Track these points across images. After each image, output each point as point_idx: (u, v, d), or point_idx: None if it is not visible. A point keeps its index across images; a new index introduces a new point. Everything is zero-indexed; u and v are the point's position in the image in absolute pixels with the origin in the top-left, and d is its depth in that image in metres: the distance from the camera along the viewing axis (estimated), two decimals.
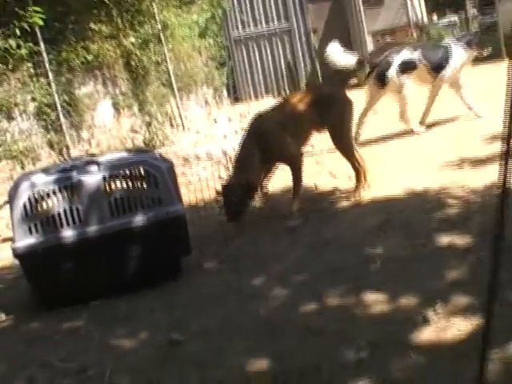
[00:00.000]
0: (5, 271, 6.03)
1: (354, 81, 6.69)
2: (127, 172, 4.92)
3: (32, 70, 9.60)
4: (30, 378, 3.70)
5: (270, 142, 5.87)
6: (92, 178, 4.72)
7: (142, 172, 4.88)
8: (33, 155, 9.19)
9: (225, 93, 16.70)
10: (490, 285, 1.75)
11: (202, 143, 10.92)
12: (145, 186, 4.91)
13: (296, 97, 6.59)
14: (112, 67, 11.24)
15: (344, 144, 6.16)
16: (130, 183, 4.97)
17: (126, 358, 3.75)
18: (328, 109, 6.08)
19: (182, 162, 9.35)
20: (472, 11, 22.92)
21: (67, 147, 9.71)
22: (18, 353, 4.15)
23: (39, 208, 4.70)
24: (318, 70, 18.10)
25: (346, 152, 6.17)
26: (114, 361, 3.72)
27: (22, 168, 8.87)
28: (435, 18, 24.60)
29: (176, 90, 13.06)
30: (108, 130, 10.87)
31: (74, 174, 4.73)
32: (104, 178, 4.75)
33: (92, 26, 10.83)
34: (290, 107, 6.20)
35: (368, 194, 6.11)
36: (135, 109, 11.77)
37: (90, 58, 10.59)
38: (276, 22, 17.44)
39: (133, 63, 11.74)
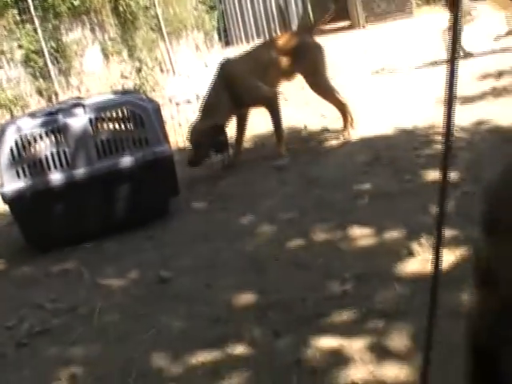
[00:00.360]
0: None
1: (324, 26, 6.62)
2: (113, 113, 4.90)
3: (17, 17, 9.46)
4: (21, 318, 3.75)
5: (238, 86, 5.83)
6: (78, 121, 4.70)
7: (128, 113, 4.87)
8: (22, 103, 9.13)
9: (215, 37, 16.49)
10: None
11: (193, 87, 10.83)
12: (131, 126, 4.90)
13: (267, 43, 6.62)
14: (99, 12, 11.08)
15: (321, 88, 6.14)
16: (117, 124, 4.96)
17: (115, 297, 3.79)
18: (298, 56, 6.06)
19: (172, 105, 9.29)
20: None
21: (56, 94, 9.65)
22: (9, 295, 4.20)
23: (26, 152, 4.69)
24: (310, 13, 17.88)
25: (326, 95, 6.16)
26: (103, 299, 3.77)
27: (12, 116, 8.83)
28: None
29: (165, 34, 12.90)
30: (97, 76, 10.77)
31: (60, 117, 4.71)
32: (90, 120, 4.73)
33: None
34: (259, 53, 6.18)
35: (357, 132, 6.10)
36: (124, 55, 11.65)
37: (76, 3, 10.44)
38: None
39: (121, 8, 11.58)
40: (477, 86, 6.96)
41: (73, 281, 4.19)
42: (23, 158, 4.65)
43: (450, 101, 1.79)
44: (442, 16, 8.75)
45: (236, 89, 5.79)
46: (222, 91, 5.81)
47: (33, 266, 4.57)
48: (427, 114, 6.03)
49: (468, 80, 7.15)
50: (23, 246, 4.96)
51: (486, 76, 7.49)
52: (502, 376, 0.53)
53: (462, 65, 7.26)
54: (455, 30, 1.52)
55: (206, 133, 5.66)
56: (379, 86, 8.26)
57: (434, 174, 4.61)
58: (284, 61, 6.04)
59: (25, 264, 4.64)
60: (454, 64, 1.63)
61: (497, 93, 6.63)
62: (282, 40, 6.34)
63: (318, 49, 6.19)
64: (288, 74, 6.19)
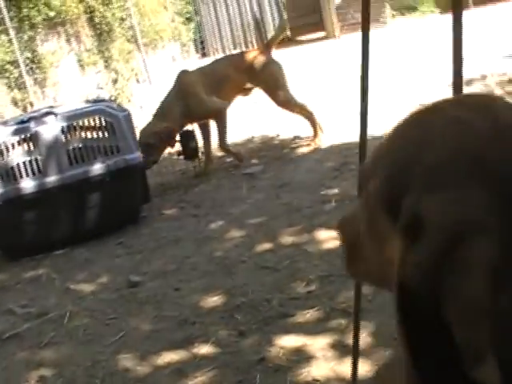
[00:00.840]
0: None
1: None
2: (85, 122, 4.96)
3: None
4: None
5: (191, 97, 5.94)
6: (49, 129, 4.75)
7: (100, 121, 4.93)
8: None
9: (192, 48, 16.60)
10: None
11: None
12: (102, 134, 4.96)
13: (227, 58, 6.81)
14: (75, 23, 11.13)
15: (284, 101, 6.24)
16: (88, 133, 5.01)
17: (86, 301, 3.84)
18: (257, 73, 6.19)
19: (143, 112, 9.33)
20: None
21: (31, 104, 9.67)
22: None
23: None
24: (287, 24, 18.03)
25: (290, 107, 6.27)
26: (73, 304, 3.82)
27: None
28: None
29: (142, 45, 12.98)
30: (73, 87, 10.80)
31: (32, 125, 4.76)
32: (62, 128, 4.78)
33: None
34: (217, 67, 6.31)
35: (327, 140, 6.19)
36: (100, 65, 11.70)
37: (52, 14, 10.48)
38: None
39: (96, 19, 11.63)
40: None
41: (44, 287, 4.23)
42: None
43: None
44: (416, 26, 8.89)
45: (188, 100, 5.89)
46: (175, 99, 5.92)
47: (4, 273, 4.61)
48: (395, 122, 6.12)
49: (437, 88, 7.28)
50: None
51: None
52: (442, 324, 0.57)
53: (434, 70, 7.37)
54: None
55: (155, 135, 5.74)
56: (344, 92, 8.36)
57: None
58: (241, 76, 6.16)
59: None
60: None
61: None
62: (241, 56, 6.48)
63: (275, 64, 6.32)
64: (245, 90, 6.33)
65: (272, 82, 6.20)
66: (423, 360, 0.59)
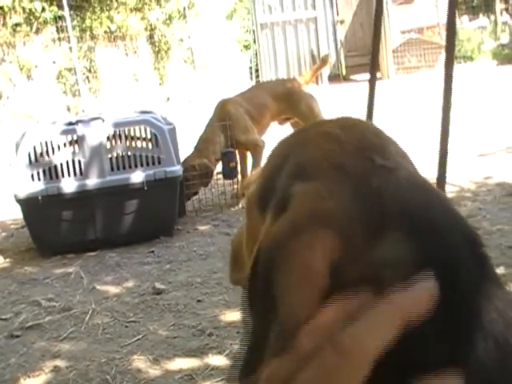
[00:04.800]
0: (10, 222, 6.26)
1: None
2: (130, 130, 5.08)
3: (55, 35, 9.78)
4: (17, 312, 3.89)
5: (234, 126, 5.95)
6: (95, 133, 4.88)
7: (145, 131, 5.05)
8: (49, 116, 9.38)
9: (247, 75, 16.81)
10: None
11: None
12: (146, 145, 5.08)
13: (265, 87, 6.82)
14: (135, 39, 11.39)
15: None
16: (132, 141, 5.13)
17: (109, 302, 3.92)
18: (294, 103, 6.27)
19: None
20: (504, 15, 22.85)
21: (83, 112, 9.91)
22: (9, 291, 4.33)
23: (43, 157, 4.88)
24: (343, 61, 18.19)
25: None
26: (96, 303, 3.89)
27: None
28: (466, 19, 24.52)
29: (197, 68, 13.21)
30: (125, 100, 11.03)
31: (79, 127, 4.90)
32: (107, 134, 4.91)
33: None
34: (255, 95, 6.36)
35: None
36: (155, 82, 11.93)
37: (113, 28, 10.76)
38: (303, 10, 17.51)
39: (156, 37, 11.89)
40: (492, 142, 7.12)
41: (71, 284, 4.32)
42: (39, 163, 4.83)
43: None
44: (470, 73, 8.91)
45: (231, 129, 5.92)
46: (216, 131, 5.94)
47: (36, 267, 4.73)
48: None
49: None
50: (31, 247, 5.14)
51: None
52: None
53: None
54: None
55: (193, 169, 5.73)
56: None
57: None
58: (278, 105, 6.26)
59: (29, 264, 4.81)
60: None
61: (511, 150, 6.79)
62: (280, 85, 6.56)
63: (311, 96, 6.41)
64: (281, 118, 6.44)
65: (310, 114, 6.26)
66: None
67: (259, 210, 0.73)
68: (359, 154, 0.68)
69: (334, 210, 0.61)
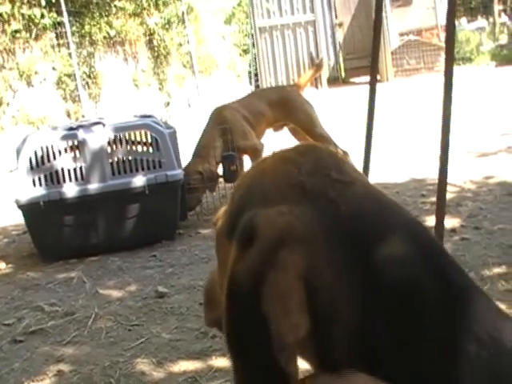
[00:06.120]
0: (11, 228, 6.27)
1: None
2: (131, 134, 5.09)
3: (54, 41, 9.80)
4: (20, 318, 3.89)
5: (233, 131, 5.93)
6: (96, 138, 4.89)
7: (145, 135, 5.06)
8: (49, 123, 9.39)
9: (246, 79, 16.82)
10: None
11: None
12: (147, 149, 5.09)
13: (262, 95, 6.79)
14: (134, 44, 11.41)
15: (320, 138, 6.27)
16: (133, 146, 5.14)
17: (112, 306, 3.92)
18: (291, 110, 6.26)
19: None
20: (502, 17, 22.89)
21: (84, 117, 9.93)
22: (12, 297, 4.34)
23: (44, 162, 4.88)
24: (341, 64, 18.22)
25: (326, 143, 6.30)
26: (99, 308, 3.90)
27: None
28: (465, 21, 24.55)
29: (197, 72, 13.23)
30: (125, 105, 11.05)
31: (80, 132, 4.91)
32: (108, 138, 4.92)
33: (117, 2, 11.01)
34: (252, 102, 6.36)
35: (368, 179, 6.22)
36: (155, 87, 11.95)
37: (112, 33, 10.78)
38: (301, 13, 17.55)
39: (155, 42, 11.92)
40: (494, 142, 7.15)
41: (74, 289, 4.32)
42: (40, 168, 4.84)
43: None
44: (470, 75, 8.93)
45: (232, 134, 5.89)
46: (215, 136, 5.92)
47: (38, 272, 4.74)
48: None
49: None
50: (33, 252, 5.15)
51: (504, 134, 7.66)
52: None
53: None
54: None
55: (197, 174, 5.72)
56: (396, 135, 8.42)
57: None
58: (275, 113, 6.26)
59: (31, 270, 4.82)
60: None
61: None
62: (276, 92, 6.56)
63: (308, 103, 6.41)
64: (277, 125, 6.43)
65: (307, 120, 6.27)
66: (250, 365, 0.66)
67: (230, 243, 0.75)
68: (316, 171, 0.72)
69: (298, 227, 0.64)
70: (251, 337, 0.64)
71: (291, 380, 0.62)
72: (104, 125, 4.96)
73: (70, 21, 9.87)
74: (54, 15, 9.59)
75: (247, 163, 6.30)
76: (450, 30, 1.57)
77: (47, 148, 4.85)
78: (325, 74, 17.49)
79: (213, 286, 0.88)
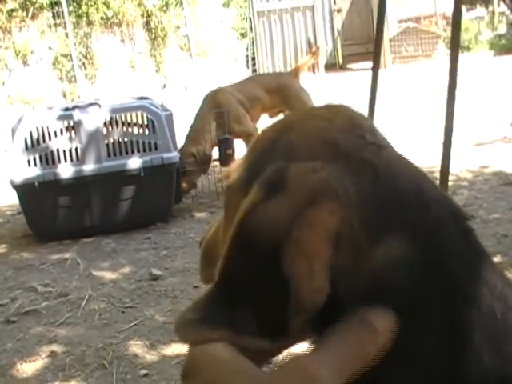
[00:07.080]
0: (5, 208, 6.24)
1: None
2: (127, 116, 5.06)
3: (51, 20, 9.73)
4: (13, 298, 3.88)
5: (229, 114, 5.91)
6: (92, 119, 4.87)
7: (142, 117, 5.03)
8: (45, 103, 9.35)
9: (243, 63, 16.76)
10: None
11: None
12: (143, 131, 5.06)
13: (258, 80, 6.80)
14: (131, 26, 11.34)
15: None
16: (129, 127, 5.11)
17: (106, 288, 3.92)
18: (286, 97, 6.27)
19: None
20: (501, 6, 22.84)
21: (79, 98, 9.88)
22: (5, 277, 4.33)
23: (39, 143, 4.85)
24: (339, 50, 18.15)
25: None
26: (93, 289, 3.89)
27: None
28: (464, 10, 24.46)
29: (194, 55, 13.17)
30: (122, 86, 10.99)
31: (76, 113, 4.88)
32: (104, 120, 4.90)
33: None
34: (247, 87, 6.35)
35: None
36: (151, 69, 11.90)
37: (109, 14, 10.71)
38: None
39: (152, 24, 11.85)
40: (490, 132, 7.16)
41: (68, 270, 4.32)
42: (36, 148, 4.82)
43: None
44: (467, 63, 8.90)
45: (226, 117, 5.87)
46: (209, 120, 5.89)
47: (32, 253, 4.73)
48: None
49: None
50: (27, 233, 5.13)
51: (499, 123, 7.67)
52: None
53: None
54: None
55: (191, 157, 5.70)
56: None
57: None
58: (271, 99, 6.26)
59: (25, 250, 4.80)
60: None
61: (507, 140, 6.82)
62: (273, 78, 6.55)
63: (303, 90, 6.42)
64: (272, 111, 6.42)
65: (303, 107, 6.26)
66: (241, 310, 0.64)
67: (244, 196, 0.72)
68: (350, 131, 0.70)
69: (332, 186, 0.63)
70: (257, 289, 0.63)
71: (291, 336, 0.61)
72: (100, 106, 4.93)
73: (67, 0, 9.79)
74: None
75: (240, 148, 6.28)
76: (457, 17, 1.55)
77: (43, 128, 4.82)
78: (322, 59, 17.42)
79: (213, 245, 0.85)
